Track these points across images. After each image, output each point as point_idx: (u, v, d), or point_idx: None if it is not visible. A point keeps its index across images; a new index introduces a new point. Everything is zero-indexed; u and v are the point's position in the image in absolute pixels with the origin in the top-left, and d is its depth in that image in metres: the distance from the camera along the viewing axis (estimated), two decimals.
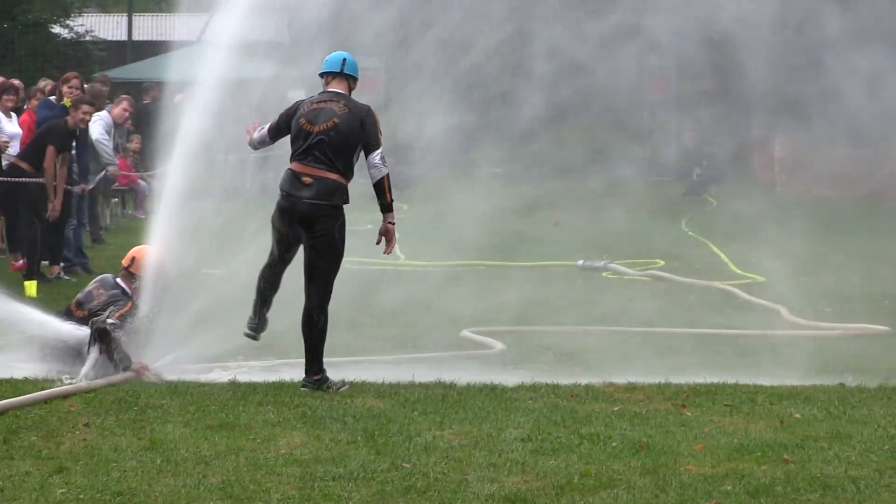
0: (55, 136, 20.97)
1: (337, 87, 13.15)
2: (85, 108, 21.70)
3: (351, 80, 13.33)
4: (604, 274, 24.27)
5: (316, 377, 13.32)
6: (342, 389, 13.41)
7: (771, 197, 43.44)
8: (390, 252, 14.28)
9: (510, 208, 29.81)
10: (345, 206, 13.24)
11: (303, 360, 13.88)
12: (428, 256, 24.57)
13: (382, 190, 13.60)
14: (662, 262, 26.12)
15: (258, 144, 13.89)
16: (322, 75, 13.48)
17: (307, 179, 13.09)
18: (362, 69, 14.24)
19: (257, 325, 14.00)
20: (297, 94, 16.91)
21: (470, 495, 8.95)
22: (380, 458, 10.55)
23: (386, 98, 34.14)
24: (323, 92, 13.44)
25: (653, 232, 29.46)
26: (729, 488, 9.40)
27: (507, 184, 34.90)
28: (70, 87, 23.19)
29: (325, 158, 13.34)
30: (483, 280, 22.87)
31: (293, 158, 13.19)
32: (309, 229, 13.49)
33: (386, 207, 13.76)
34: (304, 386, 13.37)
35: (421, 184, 31.01)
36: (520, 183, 35.52)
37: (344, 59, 13.34)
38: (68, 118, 21.43)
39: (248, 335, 13.52)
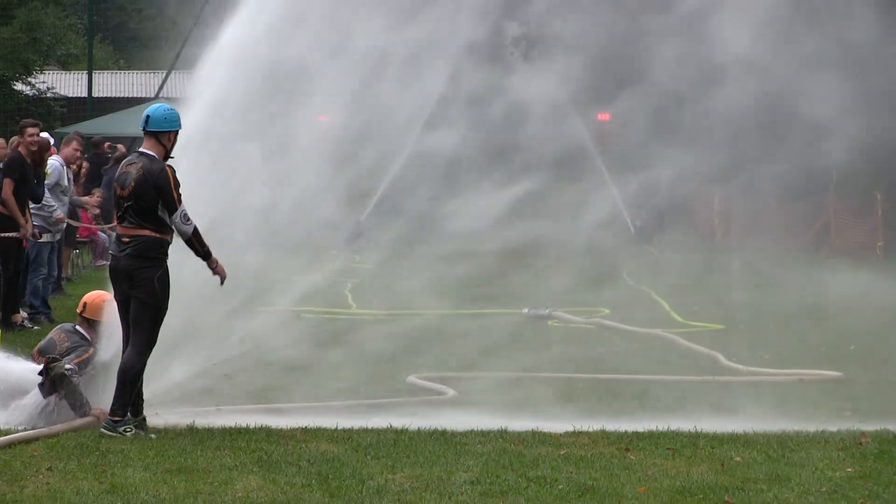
0: (11, 167, 21.26)
1: (144, 146, 13.09)
2: (29, 130, 21.78)
3: (161, 135, 13.06)
4: (549, 322, 24.65)
5: (115, 419, 13.21)
6: (128, 434, 13.25)
7: (710, 247, 44.73)
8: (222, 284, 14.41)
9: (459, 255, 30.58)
10: (166, 259, 13.36)
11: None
12: (378, 305, 24.91)
13: (193, 246, 13.82)
14: (607, 311, 26.47)
15: None
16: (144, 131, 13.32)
17: (126, 239, 13.35)
18: None
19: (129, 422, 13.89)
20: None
21: None
22: (334, 500, 10.82)
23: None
24: (134, 152, 13.81)
25: (596, 281, 29.55)
26: None
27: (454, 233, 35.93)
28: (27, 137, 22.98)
29: (135, 220, 13.49)
30: (432, 328, 22.87)
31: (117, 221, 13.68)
32: (129, 283, 13.57)
33: (204, 257, 13.91)
34: (104, 427, 13.24)
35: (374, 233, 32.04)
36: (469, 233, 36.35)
37: (147, 117, 13.07)
38: (20, 147, 21.69)
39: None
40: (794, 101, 28.93)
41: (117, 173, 13.76)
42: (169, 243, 13.56)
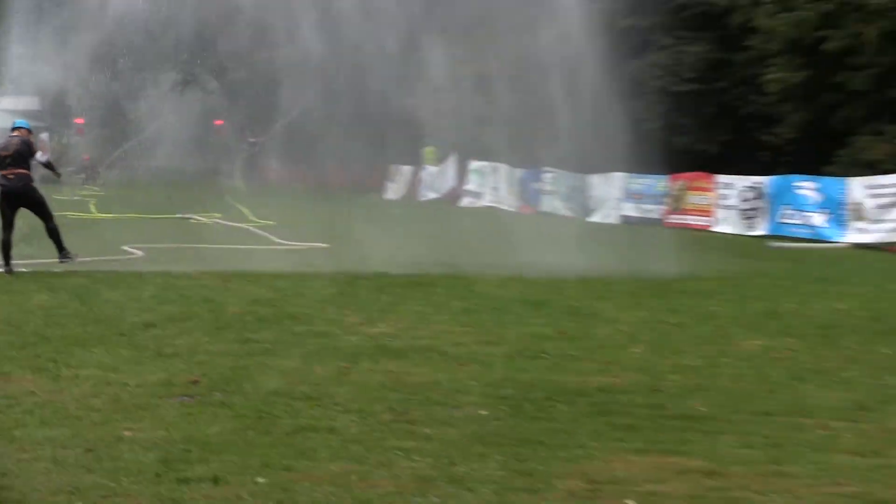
0: None
1: (16, 133, 22.51)
2: None
3: (23, 129, 22.67)
4: (189, 220, 37.74)
5: (62, 254, 22.55)
6: (75, 258, 22.99)
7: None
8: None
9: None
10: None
11: (52, 260, 22.88)
12: (115, 211, 39.20)
13: (51, 164, 24.54)
14: (219, 216, 39.16)
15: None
16: (12, 128, 23.04)
17: (11, 176, 22.04)
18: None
19: (6, 267, 22.37)
20: (45, 137, 30.73)
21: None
22: (85, 306, 17.40)
23: None
24: (10, 136, 22.88)
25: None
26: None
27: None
28: None
29: (16, 164, 22.70)
30: (135, 223, 34.88)
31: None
32: (23, 199, 22.82)
33: (50, 167, 24.63)
34: (61, 261, 22.61)
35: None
36: None
37: (15, 122, 23.34)
38: None
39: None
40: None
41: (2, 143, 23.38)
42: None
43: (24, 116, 26.11)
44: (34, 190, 22.48)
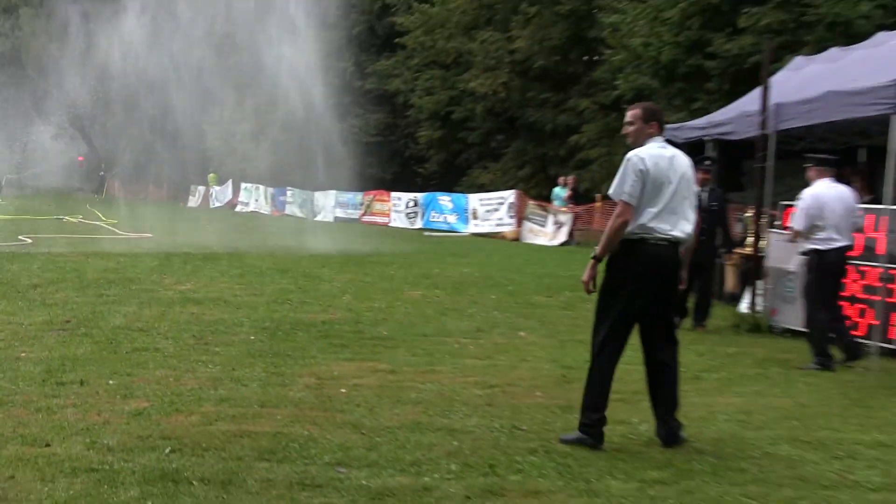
0: None
1: None
2: None
3: None
4: (63, 220, 34.22)
5: None
6: None
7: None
8: None
9: None
10: None
11: None
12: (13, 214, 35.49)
13: None
14: (81, 216, 36.53)
15: None
16: None
17: None
18: None
19: None
20: None
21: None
22: None
23: None
24: None
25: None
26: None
27: None
28: None
29: None
30: (29, 223, 32.16)
31: None
32: None
33: None
34: None
35: None
36: None
37: None
38: None
39: None
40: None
41: None
42: None
43: None
44: None
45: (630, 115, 7.07)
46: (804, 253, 10.50)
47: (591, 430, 6.81)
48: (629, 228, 6.72)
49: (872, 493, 5.98)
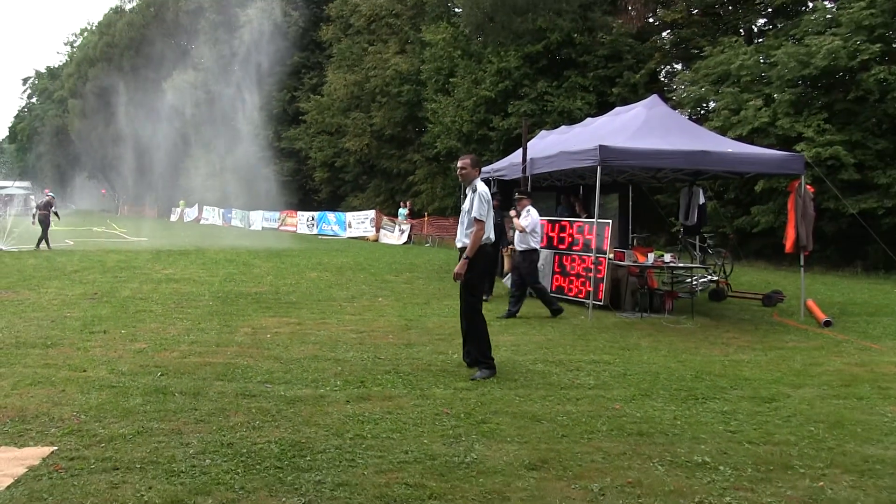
0: None
1: None
2: None
3: None
4: (93, 230, 31.53)
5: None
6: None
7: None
8: None
9: None
10: None
11: None
12: (60, 225, 28.28)
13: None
14: (103, 228, 35.41)
15: None
16: None
17: None
18: None
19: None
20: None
21: None
22: (48, 264, 15.83)
23: None
24: None
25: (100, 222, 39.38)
26: None
27: None
28: None
29: None
30: (71, 231, 27.56)
31: None
32: None
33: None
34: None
35: None
36: None
37: None
38: None
39: None
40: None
41: None
42: None
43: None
44: None
45: (463, 162, 6.79)
46: (525, 250, 10.31)
47: (491, 362, 6.63)
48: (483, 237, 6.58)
49: (589, 390, 6.12)
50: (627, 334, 9.01)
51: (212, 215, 48.44)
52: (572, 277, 11.62)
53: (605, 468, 4.33)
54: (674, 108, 18.76)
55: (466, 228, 6.68)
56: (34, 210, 21.30)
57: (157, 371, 6.44)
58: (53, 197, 22.25)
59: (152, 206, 60.84)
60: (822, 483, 4.20)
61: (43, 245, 20.34)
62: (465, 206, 6.73)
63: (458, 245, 6.81)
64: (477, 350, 6.63)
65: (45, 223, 20.51)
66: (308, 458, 4.36)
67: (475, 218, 6.53)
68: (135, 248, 22.39)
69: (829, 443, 4.91)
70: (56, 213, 20.98)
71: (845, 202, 15.91)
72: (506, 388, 6.12)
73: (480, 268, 6.63)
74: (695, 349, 8.15)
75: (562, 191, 16.08)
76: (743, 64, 19.86)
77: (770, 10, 23.47)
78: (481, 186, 6.62)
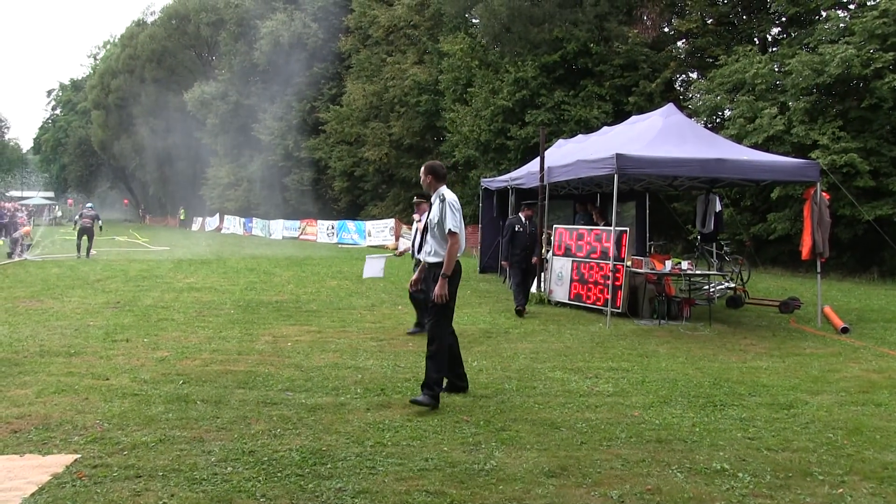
0: None
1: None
2: None
3: None
4: (115, 239, 30.71)
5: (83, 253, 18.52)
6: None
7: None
8: None
9: None
10: None
11: None
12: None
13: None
14: (126, 238, 35.23)
15: None
16: None
17: None
18: None
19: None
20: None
21: None
22: (72, 273, 15.92)
23: None
24: None
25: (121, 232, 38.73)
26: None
27: None
28: None
29: None
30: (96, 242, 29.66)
31: None
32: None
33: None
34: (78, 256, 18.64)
35: None
36: None
37: None
38: None
39: None
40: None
41: None
42: None
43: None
44: None
45: (426, 170, 5.89)
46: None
47: (437, 391, 5.71)
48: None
49: (608, 397, 6.11)
50: (645, 341, 8.96)
51: (232, 224, 48.71)
52: (590, 285, 11.58)
53: (624, 475, 4.29)
54: (689, 116, 18.77)
55: (436, 241, 5.75)
56: (76, 218, 22.11)
57: (178, 379, 6.43)
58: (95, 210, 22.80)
59: (174, 215, 61.62)
60: (841, 490, 4.14)
61: (83, 252, 21.46)
62: (432, 215, 5.75)
63: (422, 258, 5.98)
64: (429, 369, 5.62)
65: (90, 233, 21.47)
66: (329, 466, 4.34)
67: (450, 230, 5.58)
68: (157, 258, 22.41)
69: (848, 449, 4.84)
70: (100, 227, 22.07)
71: (861, 209, 15.86)
72: (525, 396, 6.10)
73: (455, 282, 5.70)
74: (713, 356, 8.12)
75: (579, 199, 16.12)
76: (758, 72, 19.82)
77: (784, 19, 23.25)
78: (449, 195, 5.67)
